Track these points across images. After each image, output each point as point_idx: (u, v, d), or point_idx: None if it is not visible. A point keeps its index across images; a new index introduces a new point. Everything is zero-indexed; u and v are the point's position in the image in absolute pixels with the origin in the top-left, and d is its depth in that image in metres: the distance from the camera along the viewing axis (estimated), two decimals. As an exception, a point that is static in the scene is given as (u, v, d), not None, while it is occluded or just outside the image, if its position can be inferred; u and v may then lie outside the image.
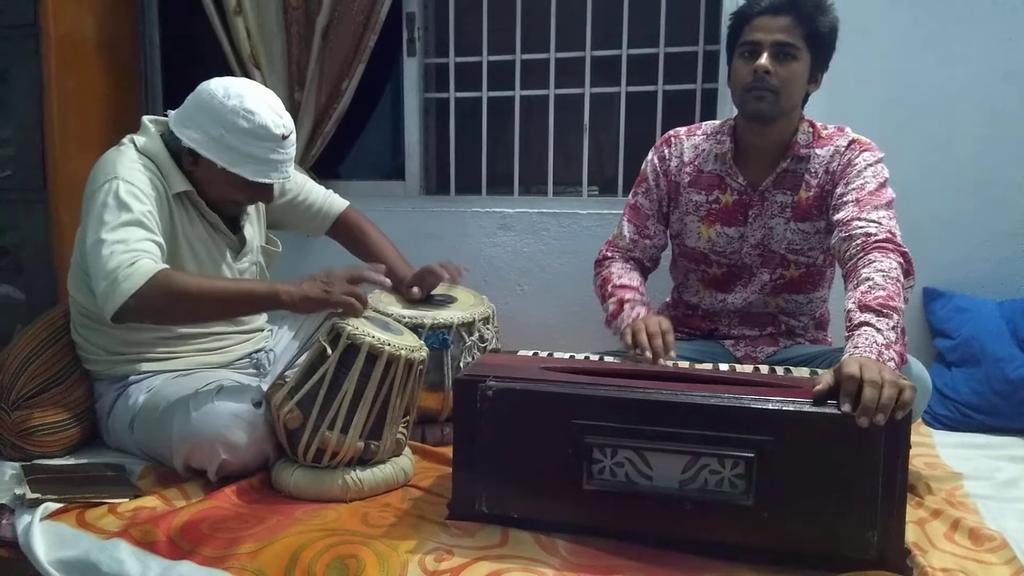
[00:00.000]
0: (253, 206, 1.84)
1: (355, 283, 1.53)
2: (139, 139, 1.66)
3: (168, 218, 1.63)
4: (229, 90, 1.57)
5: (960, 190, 2.12)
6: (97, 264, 1.49)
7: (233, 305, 1.58)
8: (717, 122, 1.80)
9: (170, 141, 1.65)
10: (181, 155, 1.64)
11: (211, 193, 1.67)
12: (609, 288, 1.75)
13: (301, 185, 1.94)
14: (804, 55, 1.60)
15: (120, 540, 1.32)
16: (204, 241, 1.70)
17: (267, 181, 1.62)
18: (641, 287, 1.76)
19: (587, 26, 2.40)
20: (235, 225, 1.77)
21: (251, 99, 1.57)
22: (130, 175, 1.56)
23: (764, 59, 1.58)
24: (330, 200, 1.99)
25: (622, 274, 1.77)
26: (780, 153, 1.69)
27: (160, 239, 1.56)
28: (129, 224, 1.51)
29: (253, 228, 1.83)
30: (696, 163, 1.77)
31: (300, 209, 1.94)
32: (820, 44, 1.61)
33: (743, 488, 1.20)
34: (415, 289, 1.86)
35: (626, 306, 1.68)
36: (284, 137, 1.60)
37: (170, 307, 1.50)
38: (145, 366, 1.71)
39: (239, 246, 1.77)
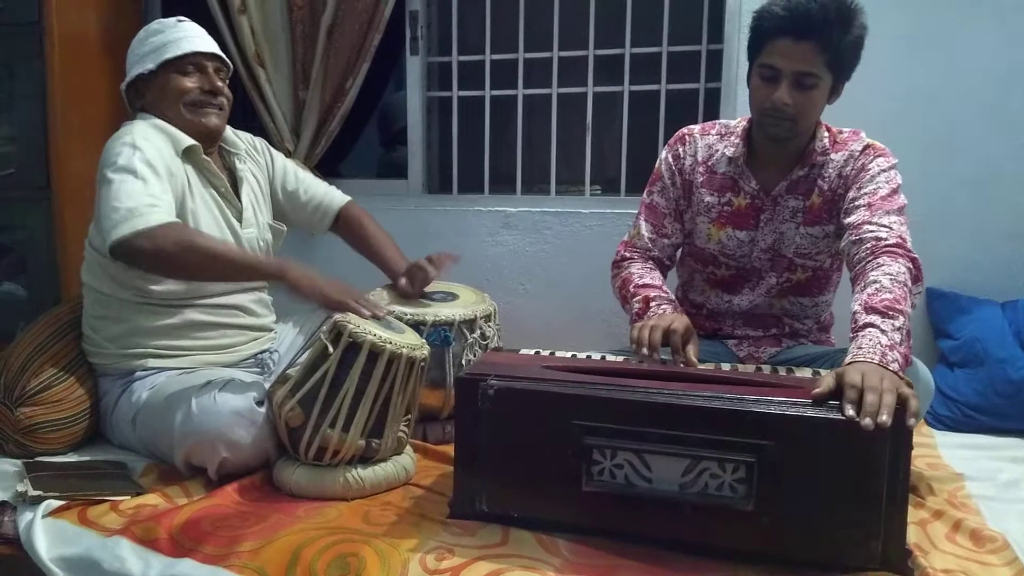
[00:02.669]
0: (251, 175, 1.86)
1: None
2: (139, 119, 1.74)
3: (179, 174, 1.68)
4: None
5: (963, 191, 2.11)
6: (116, 196, 1.54)
7: (239, 268, 1.61)
8: (731, 122, 1.77)
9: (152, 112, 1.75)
10: (136, 107, 1.75)
11: (172, 113, 1.72)
12: (631, 288, 1.72)
13: (302, 180, 1.99)
14: (825, 81, 1.55)
15: (122, 538, 1.32)
16: (209, 205, 1.74)
17: (185, 51, 1.70)
18: (664, 286, 1.74)
19: (590, 25, 2.40)
20: (235, 193, 1.82)
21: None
22: (145, 134, 1.65)
23: (783, 90, 1.54)
24: (331, 195, 2.02)
25: (643, 274, 1.75)
26: (795, 159, 1.67)
27: (170, 189, 1.62)
28: (148, 172, 1.58)
29: (256, 201, 1.86)
30: (709, 163, 1.75)
31: (301, 203, 1.98)
32: (843, 65, 1.56)
33: (744, 493, 1.19)
34: (403, 280, 1.87)
35: (652, 304, 1.65)
36: (179, 21, 1.75)
37: (177, 255, 1.54)
38: (151, 362, 1.71)
39: (241, 213, 1.81)
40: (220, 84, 1.76)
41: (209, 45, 1.75)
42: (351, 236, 2.02)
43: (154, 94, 1.73)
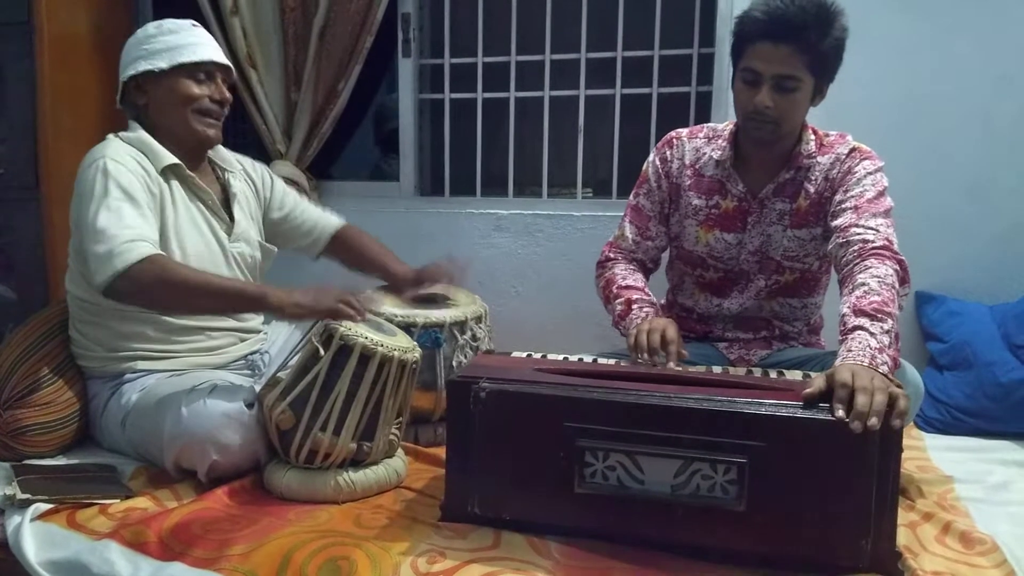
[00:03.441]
0: (243, 194, 1.85)
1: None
2: (121, 133, 1.72)
3: (160, 195, 1.66)
4: (138, 30, 1.76)
5: (954, 194, 2.12)
6: (94, 235, 1.52)
7: (220, 301, 1.59)
8: (719, 125, 1.78)
9: (144, 121, 1.72)
10: (137, 104, 1.72)
11: (175, 116, 1.70)
12: (614, 289, 1.74)
13: (297, 202, 1.99)
14: (806, 83, 1.56)
15: (111, 541, 1.32)
16: (196, 219, 1.73)
17: (202, 58, 1.69)
18: (646, 288, 1.76)
19: (582, 28, 2.40)
20: (227, 208, 1.80)
21: (153, 22, 1.75)
22: (116, 155, 1.63)
23: (763, 93, 1.55)
24: (327, 218, 2.01)
25: (626, 275, 1.76)
26: (782, 162, 1.68)
27: (150, 215, 1.60)
28: (121, 199, 1.56)
29: (245, 216, 1.84)
30: (697, 166, 1.76)
31: (295, 224, 1.97)
32: (824, 67, 1.57)
33: (735, 494, 1.20)
34: (415, 287, 1.88)
35: (634, 306, 1.67)
36: (193, 25, 1.74)
37: (158, 291, 1.52)
38: (140, 364, 1.70)
39: (231, 228, 1.79)
40: (229, 95, 1.76)
41: (223, 56, 1.75)
42: (349, 254, 2.01)
43: (160, 94, 1.70)
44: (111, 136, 1.70)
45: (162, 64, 1.68)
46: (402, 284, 1.91)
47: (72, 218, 1.66)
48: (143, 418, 1.61)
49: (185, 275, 1.53)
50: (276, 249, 1.94)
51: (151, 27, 1.72)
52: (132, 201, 1.58)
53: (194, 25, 1.74)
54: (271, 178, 1.96)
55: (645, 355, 1.51)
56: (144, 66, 1.68)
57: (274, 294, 1.54)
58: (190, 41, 1.70)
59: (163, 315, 1.70)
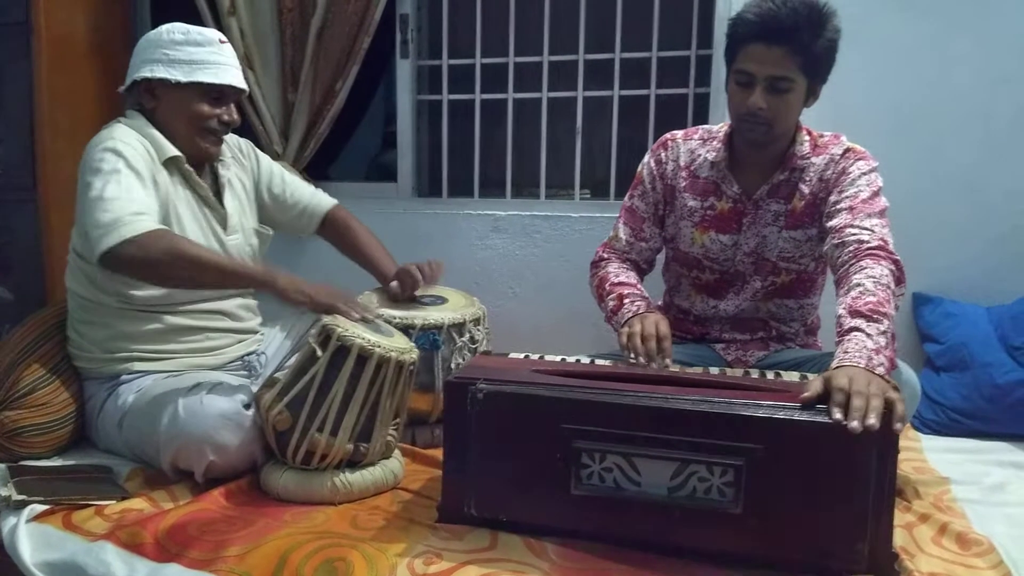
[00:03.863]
0: (236, 179, 1.85)
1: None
2: (124, 120, 1.72)
3: (164, 186, 1.66)
4: (163, 26, 1.72)
5: (951, 196, 2.13)
6: (101, 206, 1.52)
7: (227, 276, 1.59)
8: (714, 127, 1.79)
9: (147, 113, 1.72)
10: (144, 105, 1.71)
11: (180, 128, 1.70)
12: (607, 286, 1.75)
13: (289, 183, 1.98)
14: (799, 84, 1.57)
15: (107, 542, 1.32)
16: (195, 212, 1.73)
17: (221, 81, 1.67)
18: (639, 284, 1.76)
19: (580, 30, 2.40)
20: (219, 199, 1.80)
21: (181, 24, 1.71)
22: (126, 139, 1.63)
23: (757, 95, 1.56)
24: (317, 198, 2.01)
25: (619, 273, 1.77)
26: (776, 163, 1.69)
27: (155, 197, 1.61)
28: (132, 176, 1.57)
29: (241, 206, 1.85)
30: (692, 168, 1.76)
31: (287, 206, 1.97)
32: (817, 68, 1.58)
33: (732, 496, 1.20)
34: (394, 284, 1.87)
35: (626, 301, 1.68)
36: (221, 41, 1.71)
37: (165, 262, 1.51)
38: (137, 365, 1.70)
39: (225, 219, 1.79)
40: (237, 118, 1.75)
41: (242, 81, 1.73)
42: (338, 239, 2.02)
43: (171, 104, 1.68)
44: (115, 122, 1.69)
45: (180, 76, 1.65)
46: (382, 280, 1.92)
47: (78, 200, 1.63)
48: (140, 419, 1.61)
49: (195, 249, 1.55)
50: (271, 232, 1.94)
51: (178, 32, 1.67)
52: (141, 180, 1.58)
53: (222, 41, 1.71)
54: (256, 154, 1.95)
55: (642, 358, 1.52)
56: (161, 72, 1.66)
57: (282, 276, 1.56)
58: (215, 60, 1.67)
59: (164, 313, 1.70)
